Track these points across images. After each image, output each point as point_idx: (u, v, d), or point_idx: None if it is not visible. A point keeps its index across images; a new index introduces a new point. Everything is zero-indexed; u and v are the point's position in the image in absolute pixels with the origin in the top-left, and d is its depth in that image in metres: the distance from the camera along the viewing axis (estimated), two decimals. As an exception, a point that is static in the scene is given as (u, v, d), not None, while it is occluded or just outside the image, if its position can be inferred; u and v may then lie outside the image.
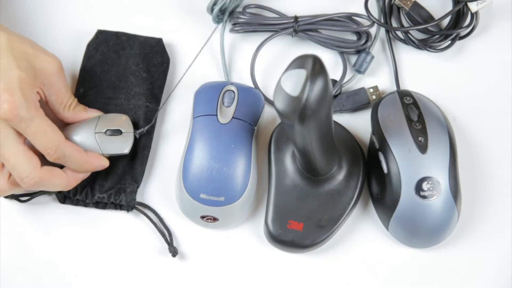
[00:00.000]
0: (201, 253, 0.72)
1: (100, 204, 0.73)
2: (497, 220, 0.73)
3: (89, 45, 0.77)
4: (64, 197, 0.73)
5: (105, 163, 0.71)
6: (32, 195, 0.73)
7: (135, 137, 0.72)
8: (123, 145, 0.72)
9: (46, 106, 0.70)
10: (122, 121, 0.73)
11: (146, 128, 0.73)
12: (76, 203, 0.73)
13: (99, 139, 0.71)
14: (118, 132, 0.72)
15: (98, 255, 0.72)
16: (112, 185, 0.72)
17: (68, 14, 0.80)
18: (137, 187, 0.73)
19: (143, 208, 0.73)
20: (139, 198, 0.73)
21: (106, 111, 0.74)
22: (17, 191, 0.70)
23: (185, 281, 0.72)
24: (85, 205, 0.73)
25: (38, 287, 0.72)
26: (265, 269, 0.72)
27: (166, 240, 0.72)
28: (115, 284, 0.72)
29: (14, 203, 0.73)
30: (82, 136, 0.71)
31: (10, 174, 0.67)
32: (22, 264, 0.72)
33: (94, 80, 0.76)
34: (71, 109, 0.71)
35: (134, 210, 0.73)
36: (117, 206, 0.72)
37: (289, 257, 0.72)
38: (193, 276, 0.72)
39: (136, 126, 0.74)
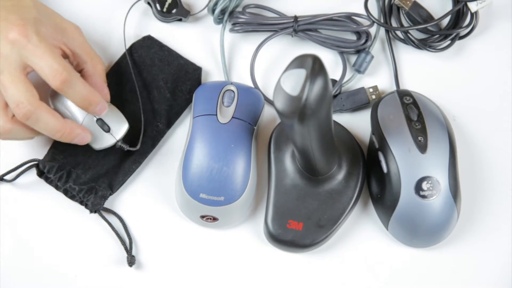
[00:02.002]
0: (199, 254, 0.72)
1: (68, 193, 0.72)
2: (497, 220, 0.73)
3: (132, 45, 0.77)
4: (41, 172, 0.72)
5: (87, 135, 0.70)
6: (16, 169, 0.72)
7: (115, 145, 0.72)
8: (98, 141, 0.72)
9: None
10: (120, 125, 0.72)
11: (127, 148, 0.72)
12: (50, 182, 0.72)
13: (86, 119, 0.71)
14: (106, 128, 0.72)
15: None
16: (88, 181, 0.72)
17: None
18: (110, 194, 0.72)
19: (108, 213, 0.72)
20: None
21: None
22: (18, 132, 0.68)
23: (185, 281, 0.72)
24: (56, 187, 0.73)
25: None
26: (265, 269, 0.72)
27: (125, 248, 0.71)
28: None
29: (12, 204, 0.73)
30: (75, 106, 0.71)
31: (13, 115, 0.67)
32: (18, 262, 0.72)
33: (121, 77, 0.76)
34: (95, 66, 0.72)
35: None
36: (83, 203, 0.72)
37: (289, 256, 0.72)
38: (192, 277, 0.72)
39: (131, 139, 0.73)
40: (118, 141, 0.72)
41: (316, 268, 0.72)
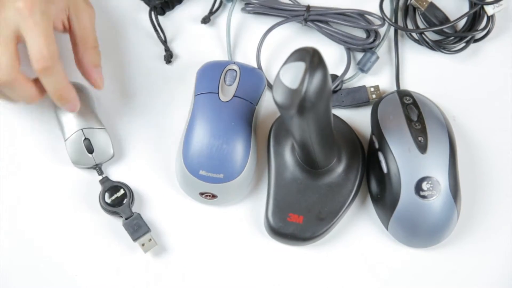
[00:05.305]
0: (198, 248, 0.72)
1: None
2: (497, 220, 0.72)
3: None
4: None
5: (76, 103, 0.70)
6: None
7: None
8: (79, 159, 0.73)
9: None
10: (104, 152, 0.73)
11: (102, 176, 0.73)
12: None
13: (74, 135, 0.72)
14: (90, 150, 0.73)
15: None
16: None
17: None
18: None
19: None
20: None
21: None
22: (20, 86, 0.68)
23: (184, 275, 0.72)
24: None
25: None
26: (265, 262, 0.72)
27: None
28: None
29: (13, 204, 0.74)
30: None
31: None
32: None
33: None
34: (90, 54, 0.71)
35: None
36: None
37: (289, 250, 0.72)
38: (191, 270, 0.72)
39: None
40: (97, 166, 0.73)
41: (316, 261, 0.72)
